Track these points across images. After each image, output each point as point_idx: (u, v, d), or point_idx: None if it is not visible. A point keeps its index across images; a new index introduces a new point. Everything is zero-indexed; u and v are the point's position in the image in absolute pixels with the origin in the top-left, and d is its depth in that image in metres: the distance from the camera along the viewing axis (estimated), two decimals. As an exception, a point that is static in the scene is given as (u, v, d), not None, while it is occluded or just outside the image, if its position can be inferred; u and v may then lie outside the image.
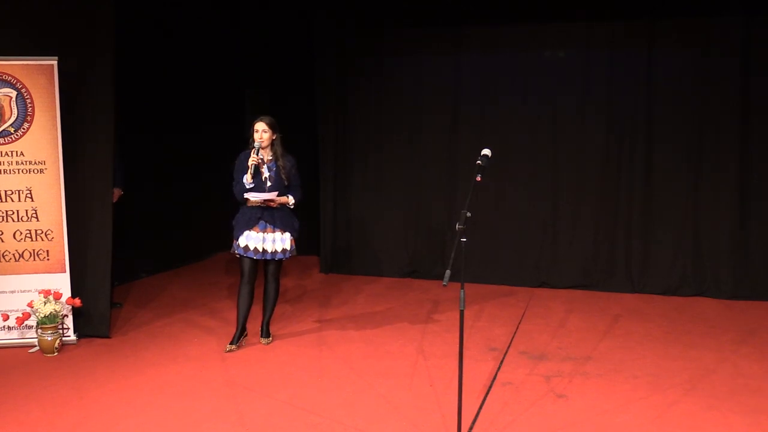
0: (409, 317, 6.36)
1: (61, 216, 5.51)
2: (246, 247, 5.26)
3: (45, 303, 5.30)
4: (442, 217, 7.72)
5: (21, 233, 5.48)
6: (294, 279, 7.74)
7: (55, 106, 5.44)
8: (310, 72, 8.15)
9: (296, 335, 5.81)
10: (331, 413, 4.31)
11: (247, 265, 5.32)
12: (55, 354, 5.32)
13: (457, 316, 3.75)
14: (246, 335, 5.53)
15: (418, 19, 7.58)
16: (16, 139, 5.44)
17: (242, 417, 4.25)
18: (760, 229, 6.89)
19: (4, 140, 5.42)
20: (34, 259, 5.50)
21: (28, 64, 5.40)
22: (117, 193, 6.21)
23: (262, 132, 5.23)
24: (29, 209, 5.48)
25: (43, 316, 5.27)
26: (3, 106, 5.40)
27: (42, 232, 5.51)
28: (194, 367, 5.08)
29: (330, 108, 7.96)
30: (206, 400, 4.49)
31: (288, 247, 5.35)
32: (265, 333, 5.59)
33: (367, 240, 8.00)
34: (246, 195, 5.20)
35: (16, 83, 5.40)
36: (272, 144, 5.29)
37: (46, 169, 5.47)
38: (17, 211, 5.47)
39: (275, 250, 5.30)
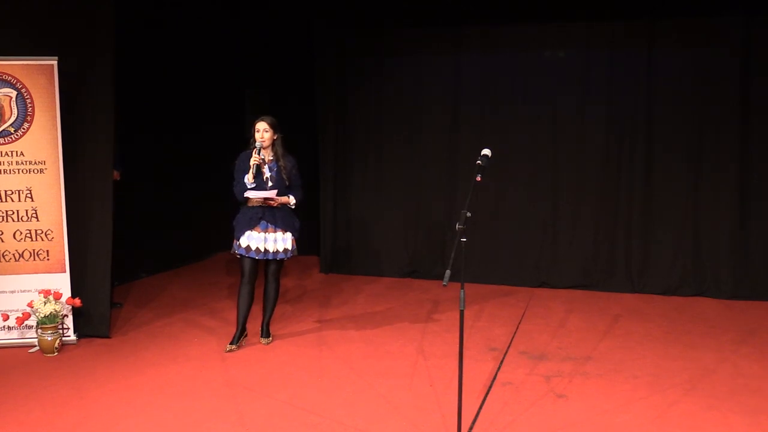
0: (409, 317, 6.36)
1: (61, 216, 5.51)
2: (248, 248, 5.26)
3: (45, 303, 5.30)
4: (442, 217, 7.72)
5: (21, 233, 5.48)
6: (294, 279, 7.74)
7: (55, 106, 5.44)
8: (310, 72, 8.15)
9: (296, 335, 5.82)
10: (331, 413, 4.31)
11: (247, 265, 5.32)
12: (55, 354, 5.32)
13: (457, 316, 3.75)
14: (246, 335, 5.53)
15: (418, 19, 7.58)
16: (16, 139, 5.44)
17: (242, 417, 4.25)
18: (760, 229, 6.89)
19: (4, 140, 5.42)
20: (34, 259, 5.50)
21: (28, 64, 5.40)
22: (116, 174, 6.12)
23: (263, 132, 5.23)
24: (29, 209, 5.48)
25: (43, 316, 5.27)
26: (3, 106, 5.40)
27: (42, 232, 5.51)
28: (194, 367, 5.08)
29: (330, 108, 7.96)
30: (206, 400, 4.49)
31: (289, 247, 5.35)
32: (265, 333, 5.59)
33: (367, 240, 8.00)
34: (246, 194, 5.20)
35: (16, 83, 5.40)
36: (273, 144, 5.29)
37: (46, 169, 5.47)
38: (17, 211, 5.47)
39: (277, 250, 5.30)
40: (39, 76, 5.41)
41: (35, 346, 5.39)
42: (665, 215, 7.11)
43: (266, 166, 5.27)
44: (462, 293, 3.69)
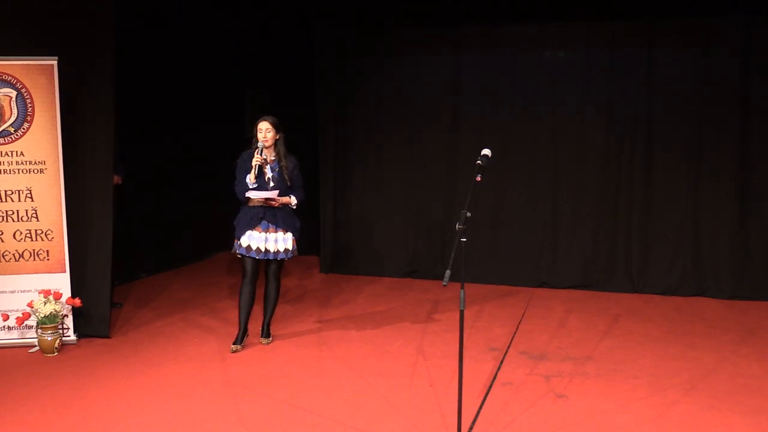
0: (409, 317, 6.36)
1: (61, 216, 5.51)
2: (248, 247, 5.26)
3: (45, 303, 5.30)
4: (442, 217, 7.72)
5: (21, 233, 5.48)
6: (294, 279, 7.74)
7: (55, 106, 5.44)
8: (310, 72, 8.15)
9: (296, 335, 5.81)
10: (331, 413, 4.31)
11: (249, 264, 5.32)
12: (55, 354, 5.32)
13: (457, 316, 3.75)
14: (247, 335, 5.52)
15: (418, 19, 7.58)
16: (16, 139, 5.44)
17: (242, 417, 4.25)
18: (760, 229, 6.89)
19: (4, 140, 5.42)
20: (34, 259, 5.50)
21: (28, 64, 5.40)
22: (116, 179, 6.12)
23: (266, 131, 5.22)
24: (29, 209, 5.48)
25: (43, 316, 5.27)
26: (3, 106, 5.40)
27: (42, 232, 5.50)
28: (194, 367, 5.08)
29: (330, 108, 7.95)
30: (206, 400, 4.49)
31: (290, 247, 5.35)
32: (266, 333, 5.59)
33: (367, 240, 8.00)
34: (248, 194, 5.20)
35: (16, 83, 5.40)
36: (275, 144, 5.28)
37: (46, 169, 5.47)
38: (17, 211, 5.47)
39: (277, 250, 5.30)
40: (39, 76, 5.41)
41: (35, 346, 5.39)
42: (665, 215, 7.11)
43: (268, 167, 5.26)
44: (462, 293, 3.69)
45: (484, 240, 7.46)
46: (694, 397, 4.55)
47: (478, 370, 4.98)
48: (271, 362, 5.18)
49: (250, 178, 5.16)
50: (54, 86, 5.42)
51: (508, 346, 5.55)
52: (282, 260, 5.39)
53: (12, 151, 5.43)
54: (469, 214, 3.75)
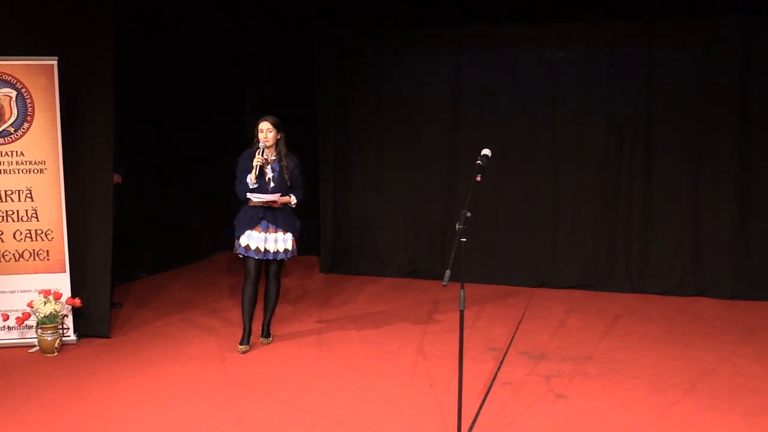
0: (409, 317, 6.36)
1: (61, 216, 5.51)
2: (247, 247, 5.25)
3: (45, 303, 5.30)
4: (442, 217, 7.72)
5: (21, 233, 5.48)
6: (294, 279, 7.74)
7: (55, 106, 5.44)
8: (310, 72, 8.14)
9: (296, 335, 5.81)
10: (331, 413, 4.31)
11: (252, 264, 5.30)
12: (55, 354, 5.32)
13: (457, 316, 3.75)
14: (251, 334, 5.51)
15: (418, 19, 7.58)
16: (16, 139, 5.44)
17: (242, 417, 4.25)
18: (760, 229, 6.89)
19: (4, 140, 5.42)
20: (34, 259, 5.50)
21: (28, 64, 5.40)
22: (116, 178, 6.10)
23: (266, 131, 5.21)
24: (29, 209, 5.48)
25: (43, 316, 5.27)
26: (3, 106, 5.40)
27: (42, 232, 5.51)
28: (194, 367, 5.08)
29: (330, 108, 7.95)
30: (206, 400, 4.49)
31: (290, 248, 5.34)
32: (266, 333, 5.59)
33: (367, 240, 8.00)
34: (249, 196, 5.19)
35: (16, 83, 5.40)
36: (276, 144, 5.27)
37: (46, 169, 5.47)
38: (17, 211, 5.47)
39: (277, 250, 5.29)
40: (39, 76, 5.41)
41: (35, 346, 5.39)
42: (665, 215, 7.11)
43: (269, 167, 5.24)
44: (462, 293, 3.69)
45: (484, 240, 7.46)
46: (694, 397, 4.55)
47: (478, 370, 4.98)
48: (271, 362, 5.18)
49: (251, 179, 5.15)
50: (54, 86, 5.42)
51: (508, 346, 5.55)
52: (282, 260, 5.39)
53: (12, 151, 5.43)
54: (469, 214, 3.75)
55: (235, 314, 6.33)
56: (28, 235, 5.49)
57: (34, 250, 5.51)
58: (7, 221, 5.46)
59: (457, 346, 3.81)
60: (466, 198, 3.80)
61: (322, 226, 8.07)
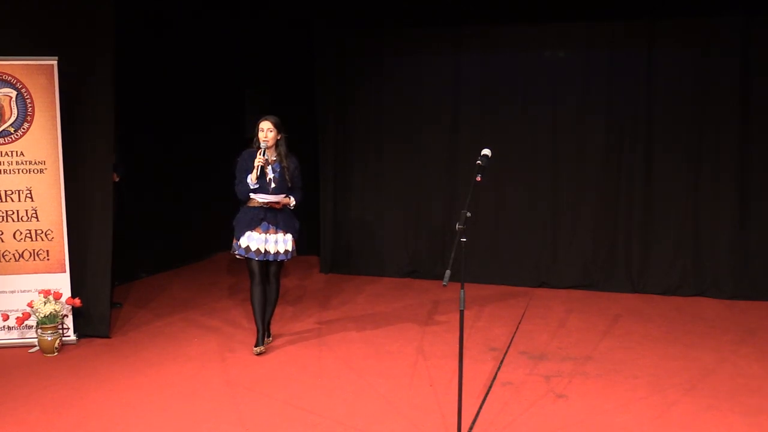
0: (409, 317, 6.36)
1: (61, 216, 5.51)
2: (247, 248, 5.24)
3: (45, 303, 5.30)
4: (442, 217, 7.72)
5: (21, 233, 5.48)
6: (294, 279, 7.74)
7: (55, 106, 5.44)
8: (310, 72, 8.15)
9: (296, 335, 5.81)
10: (331, 413, 4.31)
11: (255, 265, 5.28)
12: (55, 354, 5.32)
13: (457, 317, 3.75)
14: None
15: (418, 19, 7.58)
16: (16, 139, 5.44)
17: (242, 417, 4.25)
18: (760, 229, 6.89)
19: (4, 140, 5.43)
20: (34, 259, 5.50)
21: (28, 64, 5.40)
22: (114, 176, 6.06)
23: (267, 131, 5.18)
24: (29, 209, 5.48)
25: (43, 316, 5.27)
26: (3, 106, 5.40)
27: (42, 232, 5.51)
28: (194, 367, 5.08)
29: (330, 108, 7.95)
30: (206, 400, 4.49)
31: (290, 248, 5.33)
32: (266, 333, 5.58)
33: (367, 240, 8.00)
34: (252, 196, 5.18)
35: (16, 83, 5.40)
36: (277, 144, 5.24)
37: (46, 169, 5.47)
38: (17, 211, 5.47)
39: (278, 251, 5.28)
40: (39, 76, 5.41)
41: (35, 346, 5.39)
42: (665, 215, 7.11)
43: (269, 167, 5.22)
44: (462, 293, 3.69)
45: (484, 240, 7.46)
46: (694, 397, 4.55)
47: (478, 370, 4.98)
48: (271, 362, 5.18)
49: (252, 179, 5.14)
50: (54, 86, 5.42)
51: (508, 346, 5.55)
52: (282, 261, 5.38)
53: (12, 151, 5.43)
54: (469, 214, 3.75)
55: (235, 314, 6.34)
56: (28, 235, 5.49)
57: (34, 250, 5.51)
58: (7, 221, 5.46)
59: (457, 346, 3.81)
60: (466, 198, 3.80)
61: (322, 226, 8.07)
